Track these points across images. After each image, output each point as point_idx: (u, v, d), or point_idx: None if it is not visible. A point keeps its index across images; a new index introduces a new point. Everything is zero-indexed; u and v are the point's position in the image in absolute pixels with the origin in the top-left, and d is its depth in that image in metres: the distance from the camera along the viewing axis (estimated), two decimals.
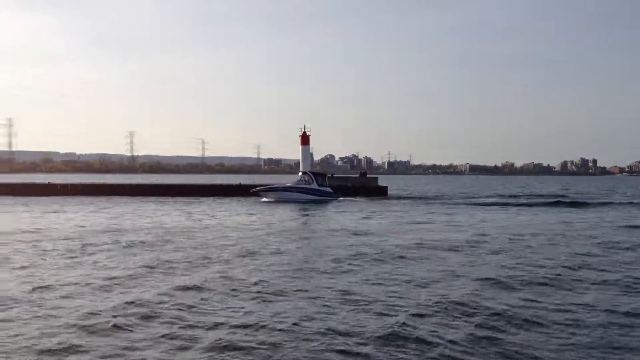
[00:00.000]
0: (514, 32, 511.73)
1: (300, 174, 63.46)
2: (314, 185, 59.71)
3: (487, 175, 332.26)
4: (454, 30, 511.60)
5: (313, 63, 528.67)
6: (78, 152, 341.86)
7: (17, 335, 10.67)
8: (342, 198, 60.59)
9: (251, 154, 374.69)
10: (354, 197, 62.37)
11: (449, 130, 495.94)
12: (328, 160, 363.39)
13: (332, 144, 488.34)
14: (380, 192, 67.98)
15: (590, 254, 21.46)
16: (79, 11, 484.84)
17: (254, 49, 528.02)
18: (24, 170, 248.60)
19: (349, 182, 70.62)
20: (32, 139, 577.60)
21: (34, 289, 14.46)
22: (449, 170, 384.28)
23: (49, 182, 73.94)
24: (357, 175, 77.65)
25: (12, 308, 12.64)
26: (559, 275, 17.05)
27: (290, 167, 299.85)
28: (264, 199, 59.05)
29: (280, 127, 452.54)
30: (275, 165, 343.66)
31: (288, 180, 62.46)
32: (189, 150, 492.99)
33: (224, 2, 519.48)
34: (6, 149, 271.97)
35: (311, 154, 76.05)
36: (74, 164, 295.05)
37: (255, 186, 65.37)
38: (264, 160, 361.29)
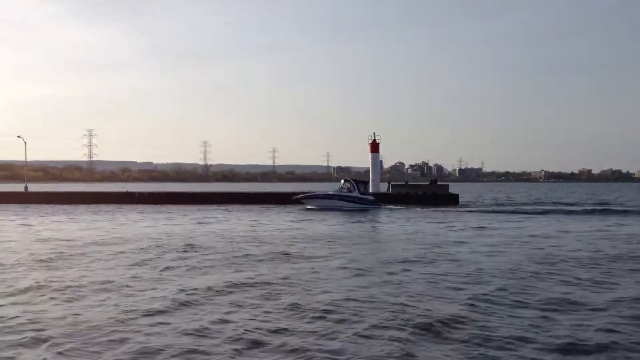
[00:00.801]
0: (587, 33, 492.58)
1: (342, 181, 63.36)
2: (356, 193, 59.23)
3: (563, 182, 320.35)
4: (525, 31, 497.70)
5: (380, 69, 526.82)
6: (155, 162, 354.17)
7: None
8: (396, 207, 59.67)
9: (321, 162, 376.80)
10: (416, 206, 61.17)
11: (522, 136, 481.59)
12: (398, 167, 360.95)
13: (401, 152, 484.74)
14: (451, 201, 66.51)
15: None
16: (139, 20, 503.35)
17: (318, 55, 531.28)
18: (104, 179, 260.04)
19: (419, 190, 69.51)
20: (111, 148, 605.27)
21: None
22: (523, 177, 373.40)
23: (127, 191, 78.41)
24: (427, 183, 76.33)
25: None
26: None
27: (359, 175, 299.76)
28: (308, 206, 59.58)
29: (350, 135, 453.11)
30: (344, 173, 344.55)
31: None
32: (261, 158, 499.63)
33: (283, 9, 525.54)
34: (87, 158, 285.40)
35: (381, 162, 75.66)
36: (150, 173, 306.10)
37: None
38: (334, 168, 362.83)
